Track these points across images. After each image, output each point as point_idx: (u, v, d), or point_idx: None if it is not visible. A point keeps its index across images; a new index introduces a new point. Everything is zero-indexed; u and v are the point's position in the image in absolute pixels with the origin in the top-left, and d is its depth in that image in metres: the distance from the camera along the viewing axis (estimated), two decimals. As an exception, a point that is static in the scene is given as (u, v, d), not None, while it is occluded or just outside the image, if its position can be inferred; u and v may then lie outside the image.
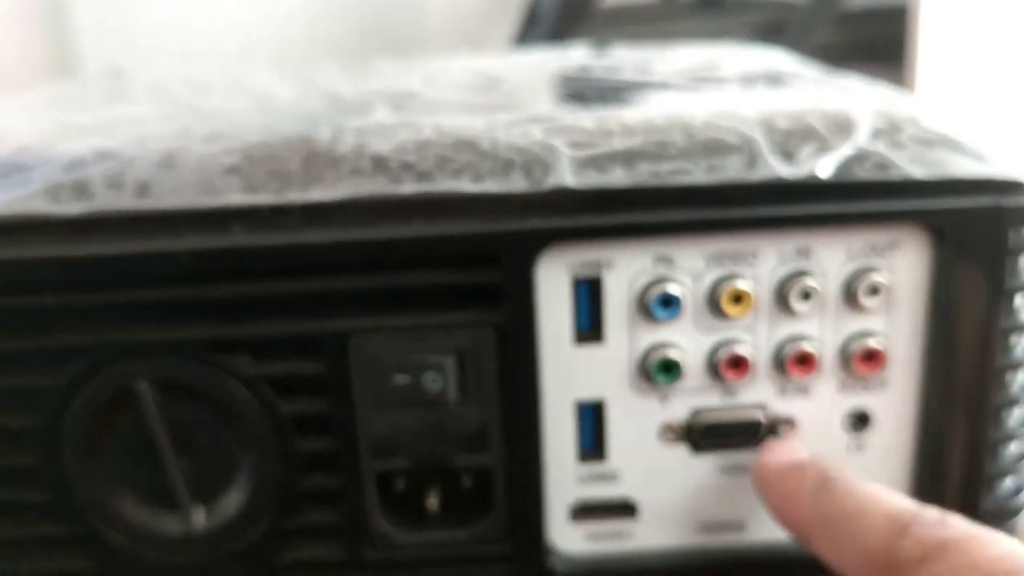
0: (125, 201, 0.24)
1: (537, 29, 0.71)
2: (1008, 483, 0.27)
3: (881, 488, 0.23)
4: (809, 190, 0.24)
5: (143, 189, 0.24)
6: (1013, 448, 0.27)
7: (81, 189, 0.24)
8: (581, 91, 0.33)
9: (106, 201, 0.24)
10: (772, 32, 0.83)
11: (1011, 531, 0.28)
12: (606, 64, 0.41)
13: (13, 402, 0.25)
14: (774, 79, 0.32)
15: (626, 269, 0.25)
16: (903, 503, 0.23)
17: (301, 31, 0.85)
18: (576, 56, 0.46)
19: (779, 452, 0.26)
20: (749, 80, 0.32)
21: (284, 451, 0.25)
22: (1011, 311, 0.25)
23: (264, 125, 0.28)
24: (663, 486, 0.26)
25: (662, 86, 0.32)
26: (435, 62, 0.46)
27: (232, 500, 0.26)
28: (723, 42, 0.50)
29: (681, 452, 0.26)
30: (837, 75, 0.34)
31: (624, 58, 0.43)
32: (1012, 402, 0.26)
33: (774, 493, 0.25)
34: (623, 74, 0.36)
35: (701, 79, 0.33)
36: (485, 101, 0.31)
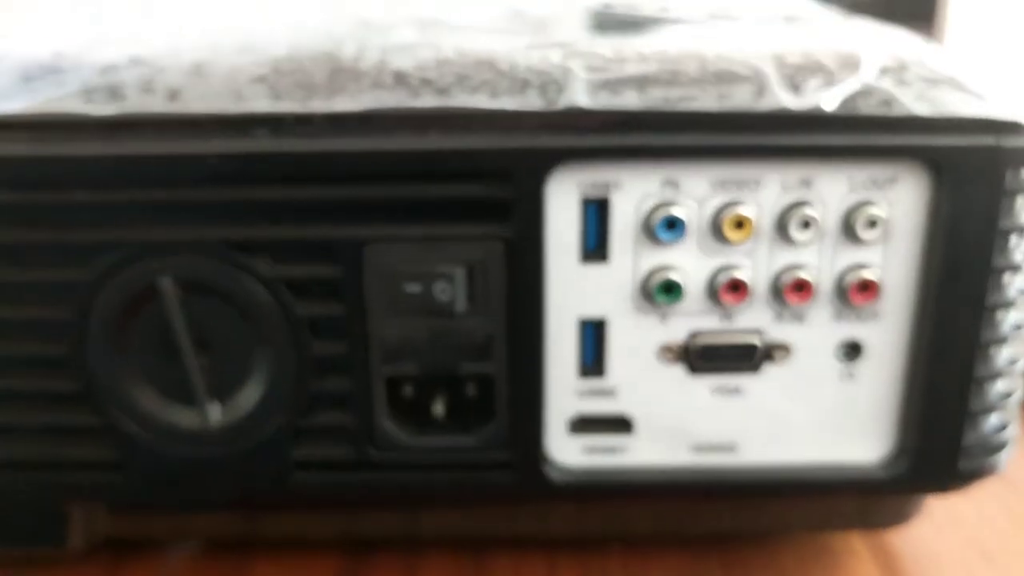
0: (156, 104, 0.25)
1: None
2: (993, 419, 0.28)
3: None
4: (813, 122, 0.25)
5: (174, 94, 0.25)
6: (1000, 385, 0.28)
7: (114, 92, 0.25)
8: (602, 24, 0.34)
9: (138, 103, 0.25)
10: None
11: (993, 467, 0.29)
12: (628, 2, 0.41)
13: (43, 294, 0.26)
14: (791, 19, 0.33)
15: (633, 191, 0.25)
16: None
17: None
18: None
19: None
20: (765, 20, 0.33)
21: (298, 352, 0.26)
22: (1005, 250, 0.26)
23: (292, 41, 0.29)
24: (659, 404, 0.28)
25: (680, 21, 0.33)
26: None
27: (247, 398, 0.27)
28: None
29: (678, 372, 0.27)
30: (854, 18, 0.35)
31: (646, -1, 0.43)
32: (1001, 340, 0.27)
33: None
34: (644, 11, 0.37)
35: (719, 17, 0.34)
36: (507, 27, 0.31)
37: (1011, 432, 0.29)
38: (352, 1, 0.41)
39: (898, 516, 0.31)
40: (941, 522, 0.33)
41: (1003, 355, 0.27)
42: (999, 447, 0.28)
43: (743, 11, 0.36)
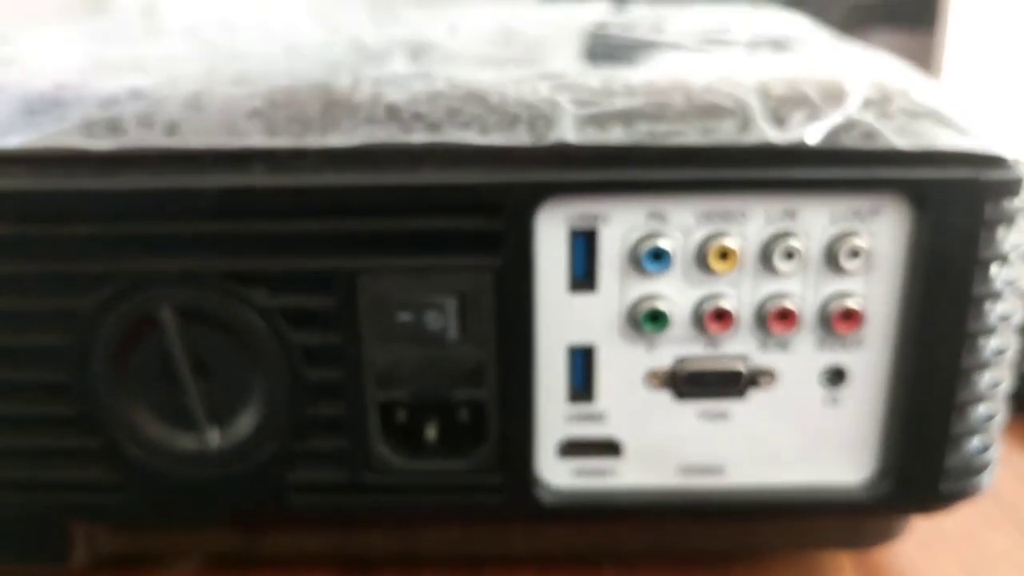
0: (155, 139, 0.26)
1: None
2: (975, 442, 0.29)
3: None
4: (797, 155, 0.25)
5: (172, 128, 0.26)
6: (981, 409, 0.28)
7: (114, 126, 0.26)
8: (594, 48, 0.34)
9: (137, 138, 0.26)
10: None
11: (975, 488, 0.29)
12: (623, 22, 0.42)
13: (47, 322, 0.27)
14: (781, 44, 0.33)
15: (620, 223, 0.26)
16: None
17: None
18: (596, 12, 0.47)
19: None
20: (756, 44, 0.33)
21: (294, 379, 0.27)
22: (985, 279, 0.26)
23: (288, 70, 0.29)
24: (647, 428, 0.28)
25: (672, 47, 0.33)
26: (460, 12, 0.47)
27: (245, 423, 0.28)
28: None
29: (665, 397, 0.28)
30: (848, 41, 0.35)
31: (642, 16, 0.44)
32: (983, 365, 0.28)
33: None
34: (638, 32, 0.37)
35: (711, 41, 0.35)
36: (501, 55, 0.32)
37: (993, 453, 0.29)
38: (348, 21, 0.42)
39: (884, 535, 0.32)
40: (927, 538, 0.34)
41: (985, 380, 0.28)
42: (981, 468, 0.29)
43: (736, 31, 0.37)
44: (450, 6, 0.50)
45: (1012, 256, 0.27)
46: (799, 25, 0.41)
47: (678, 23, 0.40)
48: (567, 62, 0.30)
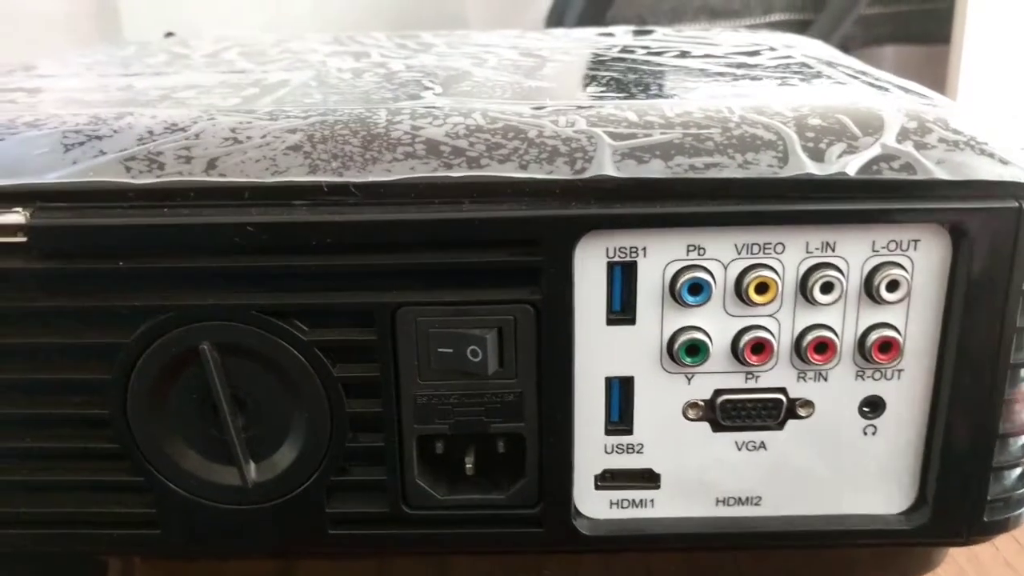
0: (194, 174, 0.26)
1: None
2: (1016, 473, 0.28)
3: None
4: (836, 187, 0.25)
5: (211, 163, 0.26)
6: (1023, 441, 0.28)
7: (153, 161, 0.26)
8: (624, 77, 0.34)
9: (176, 173, 0.26)
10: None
11: (1018, 520, 0.29)
12: (648, 46, 0.42)
13: (86, 357, 0.27)
14: (811, 74, 0.33)
15: (659, 256, 0.26)
16: None
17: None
18: (618, 37, 0.47)
19: None
20: (786, 73, 0.33)
21: (333, 412, 0.27)
22: (1026, 310, 0.26)
23: (323, 103, 0.29)
24: (685, 460, 0.28)
25: (702, 74, 0.34)
26: (479, 36, 0.47)
27: (284, 456, 0.28)
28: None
29: (703, 429, 0.28)
30: (871, 70, 0.35)
31: (666, 42, 0.44)
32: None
33: None
34: (664, 59, 0.37)
35: (739, 66, 0.35)
36: (531, 85, 0.32)
37: (1034, 484, 0.29)
38: (375, 49, 0.42)
39: (921, 566, 0.32)
40: (964, 569, 0.34)
41: (1025, 410, 0.28)
42: (1022, 501, 0.29)
43: (762, 59, 0.37)
44: (466, 32, 0.50)
45: (1053, 286, 0.27)
46: (821, 52, 0.41)
47: (702, 49, 0.40)
48: (600, 92, 0.30)
